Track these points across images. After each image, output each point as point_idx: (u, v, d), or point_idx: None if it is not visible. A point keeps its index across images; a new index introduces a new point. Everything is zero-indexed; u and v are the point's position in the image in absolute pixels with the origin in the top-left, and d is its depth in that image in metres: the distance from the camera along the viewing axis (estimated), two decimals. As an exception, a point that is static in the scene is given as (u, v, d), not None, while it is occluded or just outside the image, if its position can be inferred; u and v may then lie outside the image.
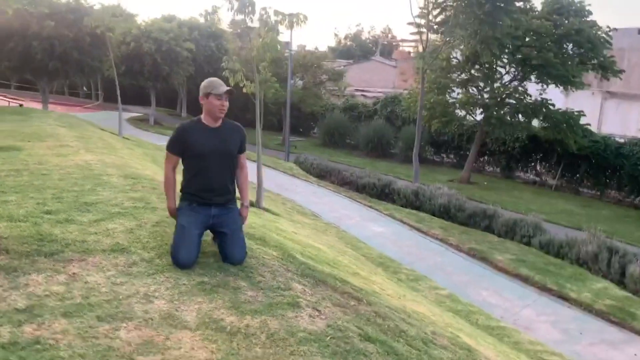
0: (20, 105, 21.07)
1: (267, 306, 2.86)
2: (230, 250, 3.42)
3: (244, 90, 8.42)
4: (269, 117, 29.20)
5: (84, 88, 41.74)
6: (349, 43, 70.25)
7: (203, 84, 3.43)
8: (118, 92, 13.58)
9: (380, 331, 3.20)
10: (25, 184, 5.10)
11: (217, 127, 3.45)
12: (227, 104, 3.41)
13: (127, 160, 8.25)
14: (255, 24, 7.88)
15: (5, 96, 26.25)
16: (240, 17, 7.52)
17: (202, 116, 3.46)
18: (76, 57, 18.86)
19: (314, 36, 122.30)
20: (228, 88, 3.38)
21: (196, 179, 3.43)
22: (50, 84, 21.30)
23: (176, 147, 3.45)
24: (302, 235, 7.07)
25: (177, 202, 3.53)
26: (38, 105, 21.05)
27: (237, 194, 3.73)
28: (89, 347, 2.17)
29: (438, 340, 3.70)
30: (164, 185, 3.59)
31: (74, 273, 2.96)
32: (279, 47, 7.33)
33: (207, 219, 3.43)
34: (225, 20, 19.41)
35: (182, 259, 3.21)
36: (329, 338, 2.63)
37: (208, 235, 3.70)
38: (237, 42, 25.29)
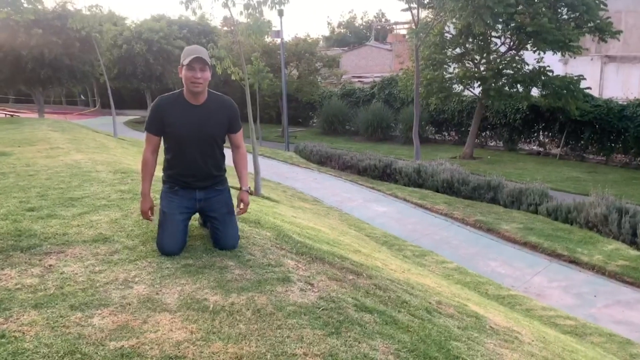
0: (11, 115, 20.96)
1: (255, 283, 2.70)
2: (221, 236, 3.18)
3: (232, 77, 8.24)
4: (267, 110, 29.03)
5: (81, 95, 41.69)
6: (342, 31, 69.71)
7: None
8: (109, 93, 13.43)
9: (380, 302, 3.04)
10: (10, 185, 4.96)
11: (200, 105, 3.05)
12: (202, 75, 2.95)
13: (120, 157, 8.11)
14: (239, 8, 7.68)
15: (4, 109, 26.18)
16: (220, 1, 7.31)
17: (184, 90, 3.07)
18: (67, 63, 18.69)
19: (307, 27, 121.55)
20: (196, 56, 2.92)
21: (175, 161, 3.11)
22: (44, 93, 21.14)
23: (153, 126, 3.06)
24: (301, 218, 6.91)
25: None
26: (35, 116, 20.95)
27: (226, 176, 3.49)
28: (57, 336, 2.02)
29: (444, 309, 3.55)
30: (141, 169, 3.17)
31: (50, 265, 2.81)
32: (262, 28, 7.10)
33: (193, 203, 3.17)
34: (205, 9, 19.07)
35: (166, 247, 3.01)
36: (320, 310, 2.47)
37: (196, 219, 3.54)
38: (229, 37, 25.12)
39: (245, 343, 2.05)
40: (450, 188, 11.52)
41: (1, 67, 18.35)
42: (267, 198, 8.67)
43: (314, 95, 27.02)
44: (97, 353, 1.92)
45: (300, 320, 2.30)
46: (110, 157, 7.77)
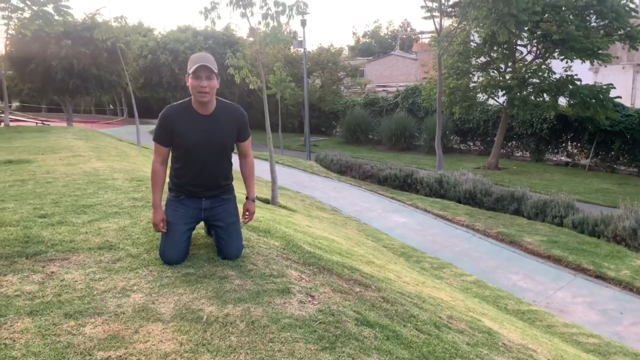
0: (42, 124, 21.59)
1: (253, 294, 2.64)
2: (225, 245, 3.13)
3: (251, 86, 8.26)
4: (290, 119, 29.19)
5: (110, 105, 42.73)
6: (367, 40, 69.84)
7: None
8: (134, 102, 13.68)
9: (385, 316, 2.94)
10: (27, 192, 5.04)
11: (209, 114, 2.97)
12: (209, 84, 2.86)
13: (139, 165, 8.20)
14: (257, 17, 7.72)
15: (36, 118, 27.00)
16: (239, 10, 7.36)
17: (192, 99, 2.99)
18: (95, 73, 19.20)
19: (332, 37, 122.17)
20: (202, 64, 2.83)
21: (183, 171, 3.05)
22: (72, 102, 21.73)
23: (162, 137, 2.97)
24: (317, 228, 6.84)
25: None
26: (64, 125, 21.54)
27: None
28: (46, 344, 2.00)
29: (454, 324, 3.42)
30: (151, 180, 3.09)
31: (52, 272, 2.81)
32: (279, 36, 7.11)
33: (199, 213, 3.13)
34: (228, 19, 19.43)
35: (168, 256, 2.98)
36: (317, 323, 2.39)
37: (201, 227, 3.51)
38: (253, 47, 25.33)
39: (234, 356, 1.99)
40: (472, 199, 11.28)
41: (33, 78, 18.95)
42: (284, 207, 8.63)
43: (337, 105, 27.04)
44: (82, 363, 1.89)
45: (295, 333, 2.23)
46: (129, 165, 7.86)
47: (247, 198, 3.29)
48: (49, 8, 14.66)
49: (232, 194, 3.27)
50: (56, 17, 15.14)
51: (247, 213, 3.29)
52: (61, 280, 2.68)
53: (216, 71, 2.93)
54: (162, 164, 3.05)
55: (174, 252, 3.01)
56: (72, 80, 18.89)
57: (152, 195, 3.10)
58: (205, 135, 2.96)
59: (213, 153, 3.03)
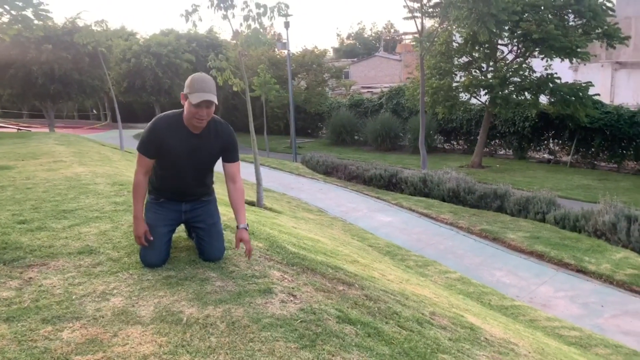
0: (18, 130, 21.30)
1: (234, 295, 2.64)
2: (207, 247, 3.11)
3: (234, 88, 8.26)
4: (276, 121, 29.15)
5: (93, 110, 42.29)
6: (352, 42, 70.06)
7: (187, 81, 2.82)
8: (116, 106, 13.55)
9: (368, 313, 2.96)
10: (6, 198, 4.97)
11: (199, 133, 2.90)
12: (208, 112, 2.77)
13: (122, 170, 8.12)
14: (239, 19, 7.72)
15: (17, 124, 26.61)
16: (220, 12, 7.35)
17: (184, 115, 2.86)
18: (76, 78, 18.98)
19: (316, 39, 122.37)
20: (206, 100, 2.70)
21: (165, 180, 3.02)
22: (54, 107, 21.46)
23: (151, 149, 2.86)
24: (302, 229, 6.85)
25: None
26: (46, 130, 21.25)
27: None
28: (22, 350, 1.98)
29: (437, 321, 3.45)
30: (133, 192, 2.98)
31: (30, 277, 2.78)
32: (261, 37, 7.11)
33: (179, 215, 3.12)
34: (211, 22, 19.43)
35: (149, 260, 2.96)
36: (298, 322, 2.39)
37: (182, 230, 3.50)
38: (237, 48, 25.24)
39: (214, 356, 1.99)
40: (456, 197, 11.39)
41: (13, 83, 18.68)
42: (270, 209, 8.62)
43: (322, 106, 27.09)
44: (60, 367, 1.87)
45: (275, 332, 2.24)
46: (112, 169, 7.79)
47: (237, 227, 3.01)
48: (28, 12, 14.46)
49: (212, 196, 3.26)
50: (36, 22, 14.94)
51: (240, 242, 3.03)
52: (39, 286, 2.65)
53: (216, 100, 2.80)
54: (144, 175, 2.95)
55: (154, 255, 2.99)
56: (54, 86, 18.65)
57: (133, 207, 2.98)
58: (193, 153, 2.92)
59: (198, 170, 3.03)
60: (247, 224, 3.07)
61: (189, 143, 2.88)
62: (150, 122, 2.90)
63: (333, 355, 2.13)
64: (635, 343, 5.28)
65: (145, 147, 2.88)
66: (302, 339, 2.22)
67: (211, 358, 1.98)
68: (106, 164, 8.51)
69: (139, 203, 2.95)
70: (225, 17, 7.58)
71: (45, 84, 18.52)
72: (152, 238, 2.94)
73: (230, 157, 3.03)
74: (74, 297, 2.52)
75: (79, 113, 42.25)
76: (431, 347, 2.69)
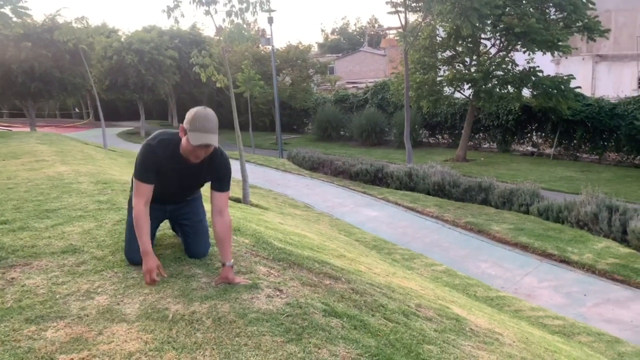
0: None
1: (220, 291, 2.64)
2: (192, 243, 3.10)
3: (217, 84, 8.21)
4: (262, 118, 29.05)
5: (75, 108, 41.72)
6: (336, 37, 69.99)
7: (188, 113, 2.60)
8: (99, 104, 13.38)
9: (354, 306, 2.98)
10: (-14, 199, 4.89)
11: (196, 164, 2.72)
12: (205, 152, 2.62)
13: (105, 168, 8.04)
14: (222, 15, 7.66)
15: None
16: (202, 8, 7.30)
17: (181, 146, 2.66)
18: (57, 76, 18.69)
19: (300, 34, 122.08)
20: (206, 143, 2.53)
21: (155, 193, 2.82)
22: (35, 106, 21.12)
23: (151, 176, 2.67)
24: (288, 225, 6.86)
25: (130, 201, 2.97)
26: (27, 130, 20.91)
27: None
28: (6, 351, 1.96)
29: (423, 312, 3.49)
30: (135, 226, 2.67)
31: (12, 278, 2.75)
32: (244, 33, 7.08)
33: (163, 214, 3.10)
34: (189, 17, 19.20)
35: (135, 258, 2.93)
36: (284, 316, 2.41)
37: (167, 228, 3.48)
38: (221, 44, 25.04)
39: (200, 352, 1.99)
40: (441, 190, 11.48)
41: (-9, 82, 18.35)
42: (256, 205, 8.61)
43: (308, 102, 27.05)
44: (44, 367, 1.86)
45: (261, 327, 2.24)
46: (95, 168, 7.71)
47: (223, 265, 2.78)
48: (7, 10, 14.19)
49: (197, 194, 3.23)
50: (14, 19, 14.67)
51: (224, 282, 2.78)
52: (22, 286, 2.63)
53: (216, 142, 2.62)
54: (145, 205, 2.69)
55: (139, 253, 2.98)
56: (34, 84, 18.35)
57: (139, 241, 2.67)
58: (184, 180, 2.85)
59: (187, 192, 3.04)
60: (233, 262, 2.86)
61: (183, 171, 2.76)
62: (147, 146, 2.69)
63: (319, 348, 2.14)
64: (617, 330, 5.39)
65: (145, 175, 2.67)
66: (288, 333, 2.23)
67: (197, 354, 1.98)
68: (89, 163, 8.41)
69: (145, 236, 2.66)
70: (207, 12, 7.52)
71: (25, 83, 18.22)
72: (165, 275, 2.73)
73: (220, 185, 2.82)
74: (57, 296, 2.50)
75: (61, 112, 41.65)
76: (417, 338, 2.72)
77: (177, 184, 2.85)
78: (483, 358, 2.85)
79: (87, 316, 2.29)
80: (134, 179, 2.73)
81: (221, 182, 2.81)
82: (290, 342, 2.15)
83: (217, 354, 1.98)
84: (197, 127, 2.50)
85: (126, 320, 2.26)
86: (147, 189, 2.68)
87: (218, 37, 8.05)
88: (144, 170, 2.67)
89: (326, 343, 2.21)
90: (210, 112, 2.60)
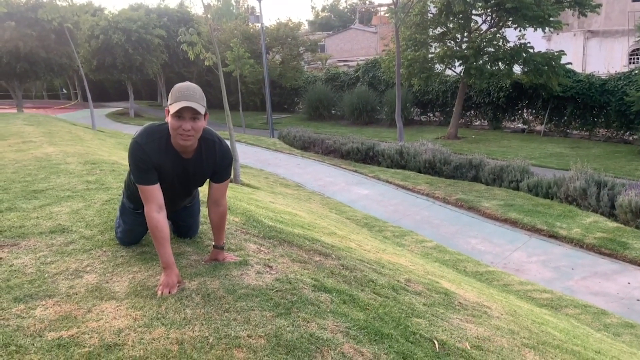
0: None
1: (210, 268, 2.65)
2: (183, 229, 3.08)
3: (206, 62, 8.12)
4: (252, 97, 28.82)
5: (63, 89, 41.12)
6: (327, 14, 69.09)
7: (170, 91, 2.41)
8: (86, 85, 13.19)
9: (344, 282, 3.01)
10: (-27, 181, 4.84)
11: (191, 157, 2.51)
12: (194, 126, 2.32)
13: (94, 149, 7.97)
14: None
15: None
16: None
17: (170, 131, 2.38)
18: (43, 56, 18.39)
19: (291, 11, 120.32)
20: (186, 105, 2.26)
21: None
22: (21, 87, 20.78)
23: (148, 176, 2.40)
24: (279, 204, 6.86)
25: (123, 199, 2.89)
26: (14, 111, 20.62)
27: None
28: (-6, 329, 1.95)
29: (412, 287, 3.52)
30: (153, 236, 2.43)
31: (0, 258, 2.73)
32: (233, 10, 6.95)
33: None
34: None
35: (127, 244, 2.94)
36: (273, 291, 2.42)
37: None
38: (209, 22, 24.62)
39: (189, 328, 2.00)
40: (432, 168, 11.51)
41: (-25, 63, 18.01)
42: (247, 185, 8.60)
43: (298, 81, 26.83)
44: (33, 344, 1.86)
45: (250, 302, 2.26)
46: (83, 149, 7.64)
47: (215, 246, 2.76)
48: (-12, -12, 13.88)
49: (195, 200, 3.07)
50: (-4, -2, 14.36)
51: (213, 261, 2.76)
52: (10, 266, 2.61)
53: (204, 110, 2.36)
54: (159, 212, 2.41)
55: (133, 241, 2.97)
56: (19, 64, 18.04)
57: (158, 254, 2.43)
58: (182, 178, 2.60)
59: (186, 191, 2.80)
60: (224, 244, 2.80)
61: (179, 168, 2.51)
62: (132, 144, 2.40)
63: (308, 322, 2.16)
64: (603, 303, 5.50)
65: (143, 176, 2.40)
66: (277, 308, 2.25)
67: (186, 329, 1.99)
68: (77, 144, 8.34)
69: (166, 247, 2.40)
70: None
71: (10, 63, 17.91)
72: (184, 285, 2.48)
73: (219, 177, 2.62)
74: (46, 275, 2.50)
75: (48, 93, 41.06)
76: (406, 312, 2.75)
77: (175, 186, 2.60)
78: (471, 330, 2.90)
79: (76, 294, 2.29)
80: (140, 187, 2.46)
81: (219, 174, 2.62)
82: (279, 317, 2.16)
83: (206, 329, 1.99)
84: (177, 97, 2.29)
85: (115, 297, 2.27)
86: (153, 191, 2.41)
87: (206, 15, 7.91)
88: (138, 170, 2.40)
89: (315, 317, 2.23)
90: (192, 84, 2.41)
